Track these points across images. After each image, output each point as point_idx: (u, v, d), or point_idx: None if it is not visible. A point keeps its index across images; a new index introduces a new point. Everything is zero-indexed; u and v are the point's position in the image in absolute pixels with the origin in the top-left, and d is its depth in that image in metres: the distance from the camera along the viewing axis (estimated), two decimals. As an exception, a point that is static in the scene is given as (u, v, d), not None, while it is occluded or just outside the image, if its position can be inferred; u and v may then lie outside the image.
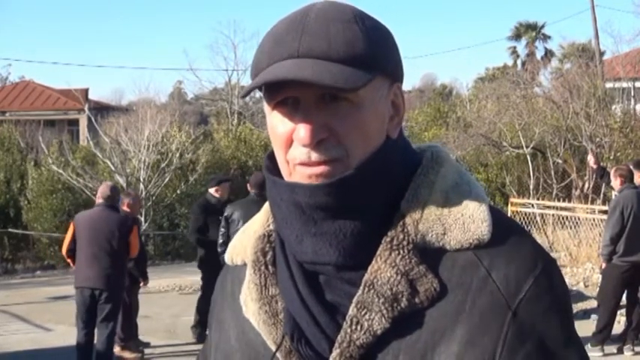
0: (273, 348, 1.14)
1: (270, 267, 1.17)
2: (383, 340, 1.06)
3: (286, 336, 1.13)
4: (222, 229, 7.82)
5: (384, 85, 1.11)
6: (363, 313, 1.07)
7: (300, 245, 1.11)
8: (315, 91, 1.06)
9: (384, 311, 1.06)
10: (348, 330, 1.07)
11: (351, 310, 1.08)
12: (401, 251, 1.07)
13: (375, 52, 1.08)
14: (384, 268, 1.07)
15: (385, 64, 1.10)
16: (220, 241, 7.83)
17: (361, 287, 1.08)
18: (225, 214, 7.82)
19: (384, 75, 1.10)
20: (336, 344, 1.08)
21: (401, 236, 1.08)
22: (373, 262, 1.08)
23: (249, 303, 1.18)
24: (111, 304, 7.17)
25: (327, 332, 1.09)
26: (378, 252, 1.08)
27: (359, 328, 1.07)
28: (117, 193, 7.64)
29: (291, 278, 1.13)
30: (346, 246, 1.08)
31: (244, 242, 1.23)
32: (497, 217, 1.11)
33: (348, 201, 1.07)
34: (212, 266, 8.22)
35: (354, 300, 1.08)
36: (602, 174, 9.30)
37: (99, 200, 7.48)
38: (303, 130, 1.05)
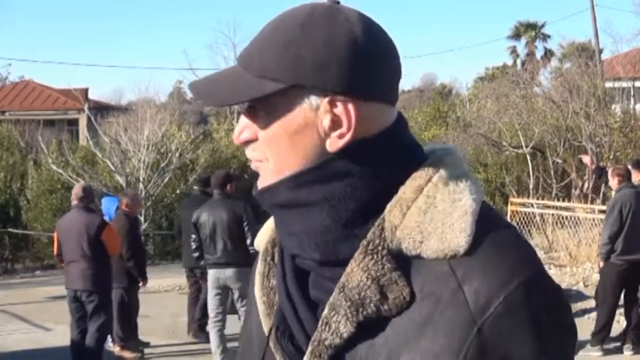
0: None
1: (276, 258, 1.21)
2: (350, 343, 1.06)
3: (273, 328, 1.15)
4: (193, 236, 7.69)
5: (308, 98, 1.08)
6: (332, 314, 1.06)
7: (289, 240, 1.15)
8: None
9: (349, 315, 1.05)
10: (320, 329, 1.08)
11: (325, 311, 1.08)
12: (375, 256, 1.05)
13: (300, 64, 1.06)
14: (356, 272, 1.06)
15: (313, 78, 1.07)
16: (194, 246, 7.71)
17: (335, 288, 1.08)
18: (192, 220, 7.73)
19: (309, 89, 1.08)
20: (310, 342, 1.08)
21: (377, 241, 1.06)
22: (349, 264, 1.07)
23: (255, 291, 1.22)
24: (94, 303, 7.30)
25: (307, 329, 1.10)
26: (355, 255, 1.07)
27: (328, 328, 1.07)
28: (90, 193, 7.63)
29: (283, 272, 1.16)
30: (319, 243, 1.10)
31: (264, 231, 1.28)
32: (484, 228, 1.06)
33: (297, 201, 1.11)
34: None
35: (329, 301, 1.08)
36: (601, 174, 9.31)
37: (73, 202, 7.54)
38: (235, 130, 1.17)
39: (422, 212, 1.07)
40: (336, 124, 1.09)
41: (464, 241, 1.03)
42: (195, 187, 9.27)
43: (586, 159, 10.14)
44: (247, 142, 1.15)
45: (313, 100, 1.08)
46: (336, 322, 1.06)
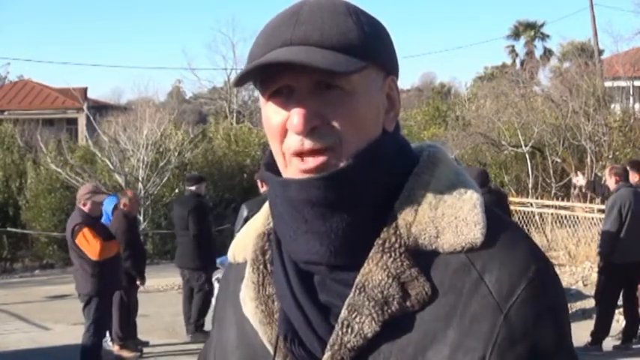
0: (269, 347, 1.14)
1: (268, 266, 1.17)
2: (374, 343, 1.05)
3: (280, 336, 1.12)
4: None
5: (378, 76, 1.10)
6: (353, 315, 1.06)
7: (294, 244, 1.11)
8: (309, 79, 1.06)
9: (375, 315, 1.05)
10: (340, 332, 1.06)
11: (343, 313, 1.07)
12: (392, 254, 1.06)
13: (368, 42, 1.08)
14: (375, 271, 1.06)
15: (379, 56, 1.10)
16: None
17: (353, 289, 1.07)
18: (245, 215, 7.76)
19: (378, 66, 1.10)
20: (328, 346, 1.07)
21: (393, 239, 1.07)
22: (365, 264, 1.07)
23: (248, 301, 1.18)
24: (83, 304, 7.36)
25: (320, 334, 1.09)
26: (370, 254, 1.07)
27: (349, 330, 1.06)
28: (83, 193, 7.45)
29: (286, 278, 1.13)
30: (337, 246, 1.08)
31: (246, 240, 1.24)
32: (493, 219, 1.09)
33: (338, 197, 1.06)
34: (211, 262, 8.38)
35: (346, 302, 1.07)
36: (594, 187, 9.38)
37: None
38: (296, 117, 1.05)
39: (433, 207, 1.09)
40: (390, 103, 1.13)
41: (480, 234, 1.06)
42: (189, 188, 9.26)
43: (576, 180, 10.27)
44: (313, 129, 1.06)
45: (381, 79, 1.11)
46: (359, 323, 1.05)
